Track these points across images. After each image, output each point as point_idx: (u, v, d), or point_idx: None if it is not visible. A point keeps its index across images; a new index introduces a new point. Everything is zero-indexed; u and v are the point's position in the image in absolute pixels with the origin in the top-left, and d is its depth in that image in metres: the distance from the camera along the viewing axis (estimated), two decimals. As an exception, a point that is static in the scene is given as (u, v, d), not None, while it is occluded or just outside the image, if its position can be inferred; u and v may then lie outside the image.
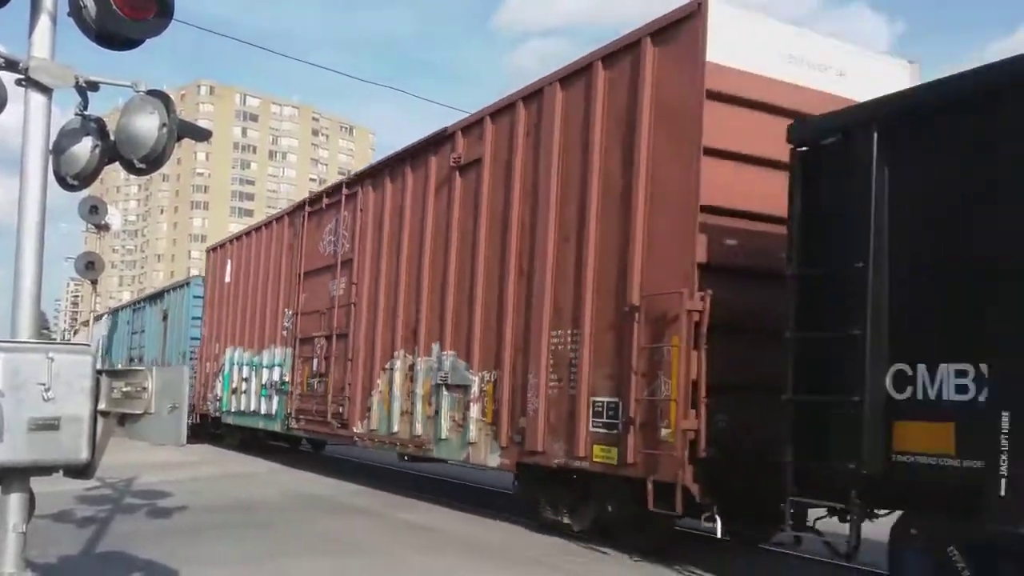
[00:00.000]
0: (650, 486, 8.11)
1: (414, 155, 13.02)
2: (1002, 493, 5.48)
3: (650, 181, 8.55)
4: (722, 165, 8.10)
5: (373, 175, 14.25)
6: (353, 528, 10.74)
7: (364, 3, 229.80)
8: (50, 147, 4.49)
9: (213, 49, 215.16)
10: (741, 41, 8.33)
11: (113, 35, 4.45)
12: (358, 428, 13.53)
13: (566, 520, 9.82)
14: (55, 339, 60.68)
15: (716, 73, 8.08)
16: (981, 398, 5.71)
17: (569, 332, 9.37)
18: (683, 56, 8.31)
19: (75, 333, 41.00)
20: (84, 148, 4.66)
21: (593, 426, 8.93)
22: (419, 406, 11.94)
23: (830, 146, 6.79)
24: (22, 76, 4.23)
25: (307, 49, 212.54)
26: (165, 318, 24.76)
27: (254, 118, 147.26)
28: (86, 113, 4.71)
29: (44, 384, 4.12)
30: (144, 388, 4.41)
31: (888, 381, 6.25)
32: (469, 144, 11.54)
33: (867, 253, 6.35)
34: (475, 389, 10.82)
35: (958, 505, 5.84)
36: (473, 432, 10.78)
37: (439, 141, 12.31)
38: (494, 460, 10.49)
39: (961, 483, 5.73)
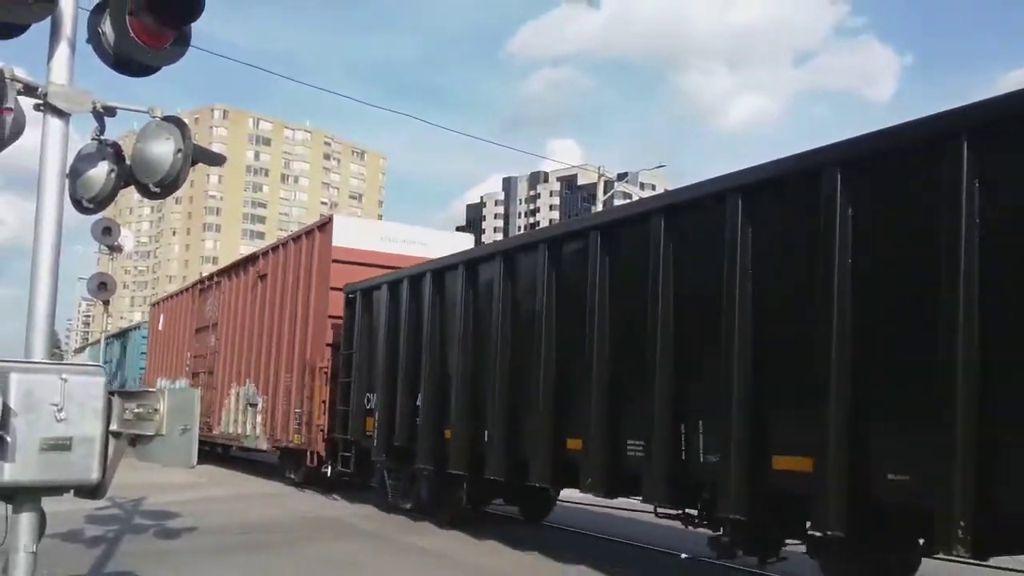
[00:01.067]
0: (309, 453, 16.40)
1: (244, 264, 21.82)
2: (375, 443, 13.72)
3: (313, 302, 17.01)
4: (340, 295, 16.19)
5: (228, 272, 22.89)
6: (357, 551, 10.87)
7: (374, 30, 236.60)
8: (67, 171, 4.47)
9: (224, 73, 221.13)
10: (354, 232, 16.88)
11: (131, 62, 4.49)
12: (216, 431, 21.87)
13: (293, 476, 18.08)
14: (67, 360, 62.97)
15: (339, 249, 16.56)
16: (373, 406, 13.98)
17: (292, 375, 17.61)
18: (326, 241, 16.81)
19: (74, 354, 47.22)
20: (100, 172, 4.67)
21: (294, 423, 17.21)
22: (239, 416, 20.27)
23: (354, 298, 15.10)
24: (40, 101, 4.27)
25: (317, 75, 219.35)
26: (124, 352, 33.39)
27: (267, 142, 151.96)
28: (103, 138, 4.73)
29: (57, 404, 4.07)
30: (156, 410, 4.40)
31: (364, 400, 14.49)
32: (264, 264, 20.11)
33: (356, 346, 14.69)
34: (260, 406, 19.13)
35: (379, 453, 13.86)
36: (258, 430, 19.11)
37: (255, 258, 20.94)
38: (265, 445, 18.81)
39: (374, 442, 13.90)
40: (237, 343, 21.04)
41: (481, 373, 11.20)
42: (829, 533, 6.45)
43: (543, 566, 10.25)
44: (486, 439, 10.83)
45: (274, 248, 19.90)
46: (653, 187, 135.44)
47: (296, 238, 18.50)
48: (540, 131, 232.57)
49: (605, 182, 36.33)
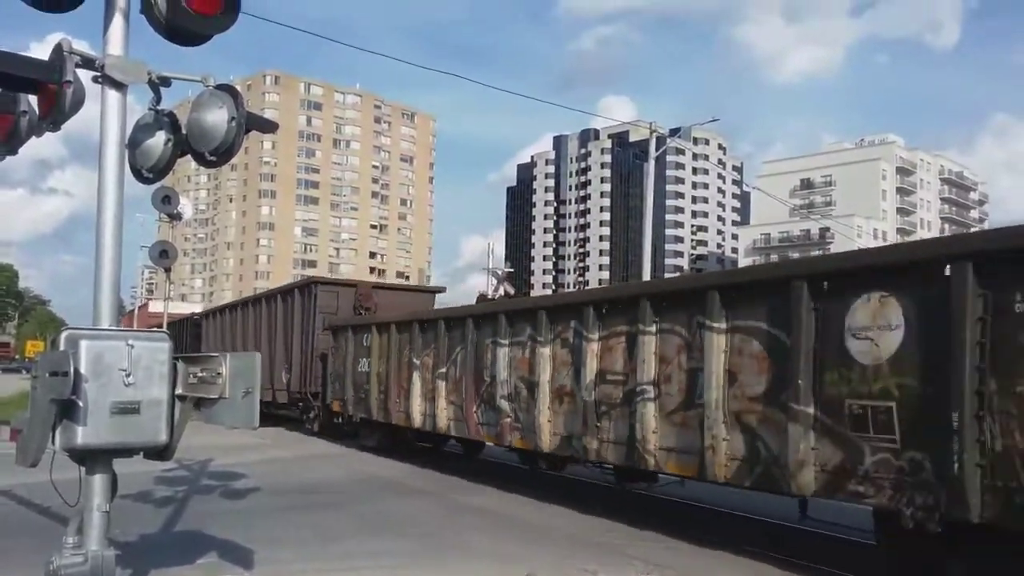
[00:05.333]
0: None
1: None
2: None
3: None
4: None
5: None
6: (414, 509, 10.91)
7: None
8: (126, 142, 4.53)
9: (274, 39, 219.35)
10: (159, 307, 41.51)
11: (183, 31, 4.51)
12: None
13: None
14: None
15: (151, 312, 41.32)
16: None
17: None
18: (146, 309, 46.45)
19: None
20: (158, 142, 4.76)
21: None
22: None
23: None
24: (98, 73, 4.30)
25: (365, 38, 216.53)
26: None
27: (318, 107, 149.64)
28: (159, 108, 4.77)
29: (125, 370, 4.17)
30: (218, 373, 4.50)
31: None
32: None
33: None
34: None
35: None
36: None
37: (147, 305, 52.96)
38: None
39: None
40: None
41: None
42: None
43: None
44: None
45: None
46: (707, 141, 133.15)
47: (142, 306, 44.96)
48: (592, 90, 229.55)
49: (657, 138, 33.77)
